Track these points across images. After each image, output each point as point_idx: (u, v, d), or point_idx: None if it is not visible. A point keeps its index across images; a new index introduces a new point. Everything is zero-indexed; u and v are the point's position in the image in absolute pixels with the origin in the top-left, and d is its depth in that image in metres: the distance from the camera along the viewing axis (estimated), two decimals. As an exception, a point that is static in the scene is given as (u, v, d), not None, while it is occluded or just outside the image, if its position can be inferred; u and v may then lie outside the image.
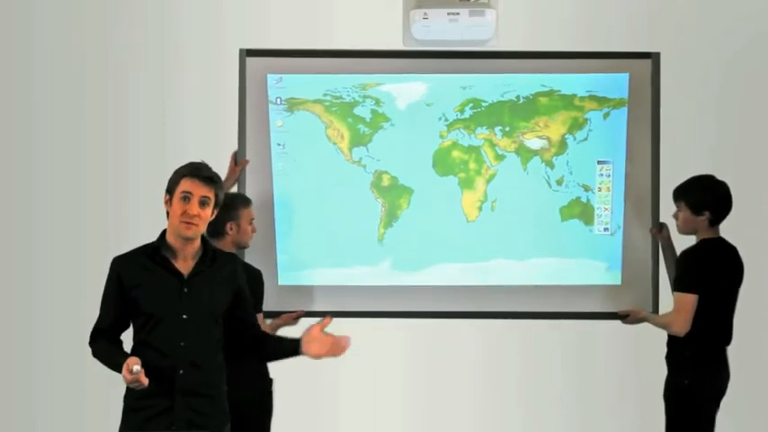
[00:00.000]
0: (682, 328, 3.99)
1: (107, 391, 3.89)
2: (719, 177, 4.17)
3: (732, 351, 4.17)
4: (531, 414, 5.58)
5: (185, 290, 3.52)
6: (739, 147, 5.22)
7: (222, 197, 3.59)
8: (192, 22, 5.49)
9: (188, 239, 3.52)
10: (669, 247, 4.36)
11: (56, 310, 5.43)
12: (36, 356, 5.47)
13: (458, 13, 4.10)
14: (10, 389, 5.44)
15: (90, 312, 3.72)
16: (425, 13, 4.14)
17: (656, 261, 4.12)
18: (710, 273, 3.95)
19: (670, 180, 4.13)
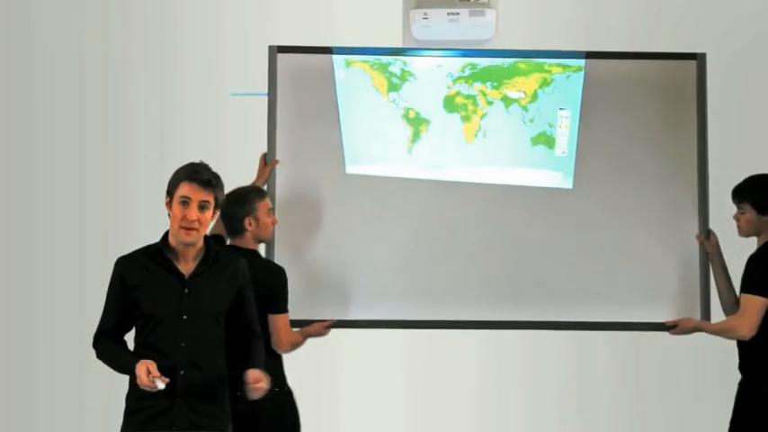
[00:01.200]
0: (748, 330, 3.90)
1: (107, 391, 3.89)
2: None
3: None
4: (531, 416, 5.57)
5: (186, 290, 3.51)
6: (739, 147, 5.22)
7: (222, 198, 3.58)
8: (193, 22, 5.48)
9: (188, 245, 3.51)
10: (718, 253, 4.33)
11: (56, 311, 5.42)
12: (36, 357, 5.47)
13: (458, 13, 4.32)
14: (10, 389, 5.44)
15: (90, 313, 3.72)
16: (425, 13, 4.32)
17: (704, 269, 4.40)
18: None
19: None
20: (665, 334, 4.37)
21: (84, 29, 5.45)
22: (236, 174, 4.56)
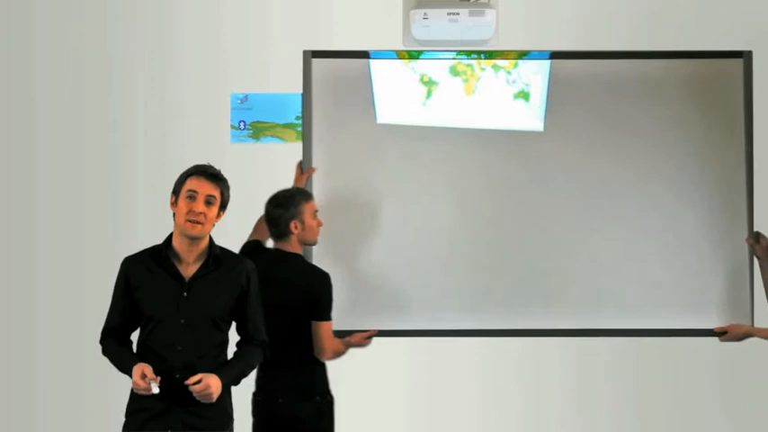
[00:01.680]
0: None
1: (107, 391, 3.89)
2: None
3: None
4: (531, 424, 5.54)
5: (184, 294, 3.50)
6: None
7: (228, 197, 3.58)
8: (193, 24, 5.46)
9: (194, 239, 3.50)
10: None
11: (56, 312, 5.41)
12: (36, 357, 5.45)
13: (458, 13, 4.35)
14: (10, 389, 5.43)
15: (90, 313, 3.74)
16: (425, 13, 4.36)
17: (751, 273, 4.45)
18: None
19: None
20: (664, 340, 4.37)
21: (84, 29, 5.44)
22: (237, 172, 4.57)
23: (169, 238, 3.54)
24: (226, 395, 3.58)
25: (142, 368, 3.36)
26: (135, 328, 3.59)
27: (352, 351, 4.26)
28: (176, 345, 3.47)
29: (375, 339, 4.36)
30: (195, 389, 3.41)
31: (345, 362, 4.57)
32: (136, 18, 5.41)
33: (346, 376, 5.07)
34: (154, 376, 3.34)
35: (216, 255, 3.57)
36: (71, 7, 5.40)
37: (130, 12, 5.41)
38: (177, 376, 3.45)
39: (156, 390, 3.33)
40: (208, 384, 3.42)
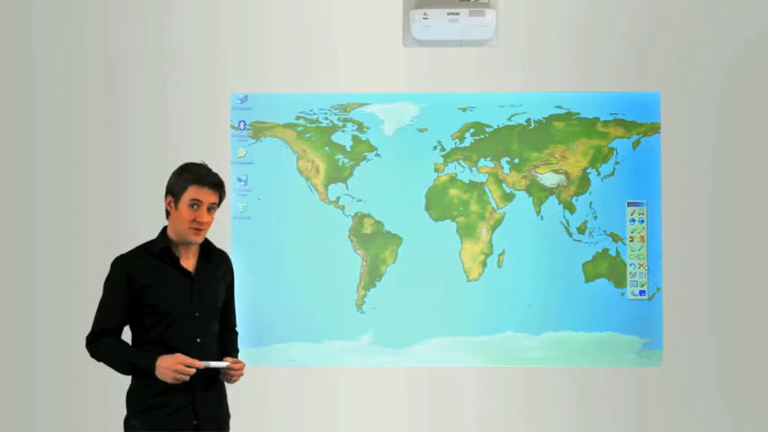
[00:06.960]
0: None
1: (107, 391, 3.89)
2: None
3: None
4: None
5: (194, 287, 3.56)
6: (739, 149, 5.20)
7: (224, 197, 3.63)
8: (193, 24, 5.48)
9: (195, 245, 3.58)
10: None
11: (56, 311, 5.43)
12: (36, 357, 5.46)
13: (458, 13, 4.35)
14: (10, 389, 5.44)
15: (89, 312, 3.72)
16: (425, 13, 4.36)
17: None
18: None
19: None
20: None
21: (85, 29, 5.47)
22: (237, 173, 4.62)
23: (164, 233, 3.59)
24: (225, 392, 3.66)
25: (180, 359, 3.39)
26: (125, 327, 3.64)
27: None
28: (195, 338, 3.56)
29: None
30: (237, 367, 3.51)
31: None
32: (136, 18, 5.42)
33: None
34: (199, 363, 3.40)
35: (212, 249, 3.67)
36: (72, 7, 5.42)
37: (131, 12, 5.43)
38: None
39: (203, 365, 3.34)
40: (243, 365, 3.57)
